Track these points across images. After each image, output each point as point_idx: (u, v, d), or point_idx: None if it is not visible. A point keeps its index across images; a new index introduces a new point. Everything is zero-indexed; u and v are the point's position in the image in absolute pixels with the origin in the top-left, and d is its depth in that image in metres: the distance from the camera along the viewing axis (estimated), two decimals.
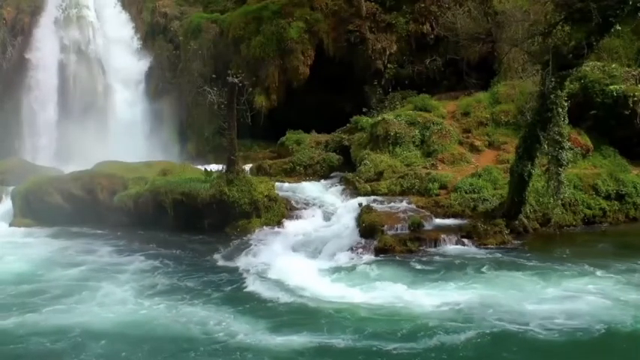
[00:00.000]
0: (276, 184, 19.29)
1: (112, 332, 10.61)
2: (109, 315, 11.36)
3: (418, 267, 13.90)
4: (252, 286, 12.90)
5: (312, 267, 14.00)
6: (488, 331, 10.24)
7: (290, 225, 17.40)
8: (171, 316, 11.29)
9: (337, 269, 13.90)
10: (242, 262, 14.75)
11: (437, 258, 14.44)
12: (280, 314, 11.29)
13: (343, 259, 14.63)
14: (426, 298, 11.78)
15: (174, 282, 13.33)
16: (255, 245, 15.90)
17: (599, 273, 12.99)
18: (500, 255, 14.55)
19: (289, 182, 20.53)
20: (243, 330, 10.53)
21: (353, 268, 13.98)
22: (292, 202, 18.60)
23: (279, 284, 12.87)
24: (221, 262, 14.91)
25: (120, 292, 12.66)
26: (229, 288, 12.91)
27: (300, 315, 11.20)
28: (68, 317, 11.26)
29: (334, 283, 12.88)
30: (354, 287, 12.57)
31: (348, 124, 23.68)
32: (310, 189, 19.74)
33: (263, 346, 9.89)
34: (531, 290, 12.14)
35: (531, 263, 13.84)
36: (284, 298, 12.10)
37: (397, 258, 14.56)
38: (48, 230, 18.35)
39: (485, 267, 13.61)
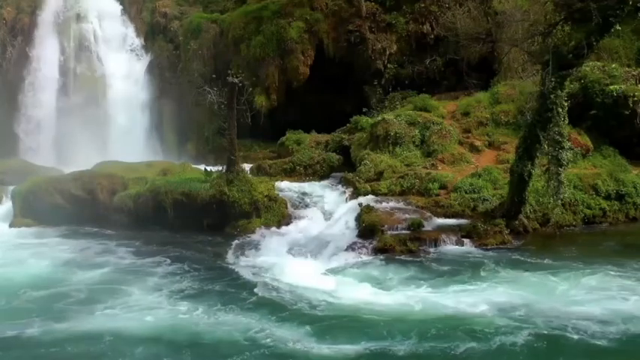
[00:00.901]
0: (276, 184, 19.28)
1: (144, 337, 10.37)
2: (139, 318, 11.07)
3: (423, 267, 13.92)
4: (258, 288, 12.82)
5: (312, 267, 13.99)
6: (530, 336, 10.04)
7: (290, 225, 17.41)
8: (193, 318, 11.20)
9: (337, 269, 13.89)
10: (243, 262, 14.75)
11: (437, 258, 14.43)
12: (283, 314, 11.27)
13: (343, 259, 14.62)
14: (440, 299, 11.78)
15: (187, 284, 13.17)
16: (255, 245, 15.91)
17: (612, 272, 12.94)
18: (510, 254, 14.53)
19: (289, 182, 20.54)
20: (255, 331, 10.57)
21: (353, 267, 13.98)
22: (292, 202, 18.61)
23: (280, 284, 12.87)
24: (223, 263, 14.87)
25: (144, 294, 12.45)
26: (233, 289, 12.84)
27: (307, 317, 11.15)
28: (99, 322, 10.95)
29: (334, 283, 12.84)
30: (355, 287, 12.56)
31: (348, 124, 23.70)
32: (310, 189, 19.74)
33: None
34: (557, 290, 12.11)
35: (544, 262, 13.81)
36: (285, 297, 12.09)
37: (397, 258, 14.53)
38: (51, 230, 18.26)
39: (498, 267, 13.58)
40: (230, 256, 15.22)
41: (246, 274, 13.79)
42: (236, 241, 16.27)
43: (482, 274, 13.24)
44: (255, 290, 12.57)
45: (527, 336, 10.03)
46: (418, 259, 14.39)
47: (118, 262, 14.94)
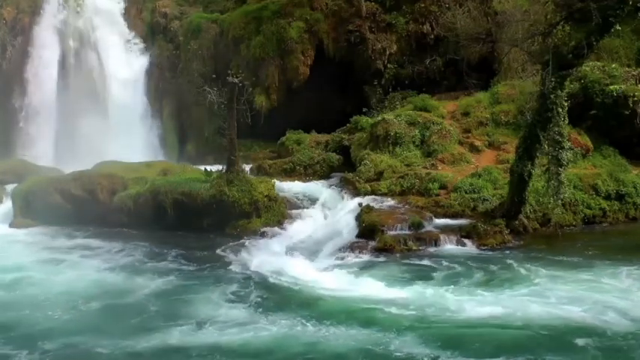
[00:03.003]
0: (276, 184, 19.29)
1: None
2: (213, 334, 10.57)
3: (423, 267, 13.93)
4: (258, 288, 12.85)
5: (312, 267, 14.01)
6: (530, 335, 10.03)
7: (290, 225, 17.40)
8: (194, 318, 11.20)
9: (337, 269, 13.89)
10: (243, 262, 14.75)
11: (437, 258, 14.42)
12: (284, 314, 11.26)
13: (343, 258, 14.63)
14: (440, 298, 11.77)
15: (187, 285, 13.19)
16: (256, 245, 15.92)
17: (613, 272, 12.92)
18: (510, 254, 14.50)
19: (289, 182, 20.53)
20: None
21: (353, 267, 13.96)
22: (292, 202, 18.61)
23: (280, 284, 12.91)
24: (223, 263, 14.88)
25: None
26: (233, 290, 12.83)
27: (307, 317, 11.12)
28: (172, 338, 10.30)
29: (334, 283, 12.85)
30: (355, 287, 12.56)
31: (348, 124, 23.70)
32: (310, 189, 19.74)
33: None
34: (557, 290, 12.03)
35: (544, 262, 13.77)
36: (286, 298, 12.11)
37: (397, 258, 14.55)
38: (54, 230, 18.22)
39: (498, 267, 13.58)
40: (230, 257, 15.22)
41: (247, 274, 13.80)
42: (236, 242, 16.27)
43: (482, 274, 13.23)
44: (256, 290, 12.58)
45: (527, 335, 10.04)
46: (418, 259, 14.38)
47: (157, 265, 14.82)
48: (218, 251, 15.65)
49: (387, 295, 12.02)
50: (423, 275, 13.28)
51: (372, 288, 12.43)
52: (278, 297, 12.19)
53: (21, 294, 12.76)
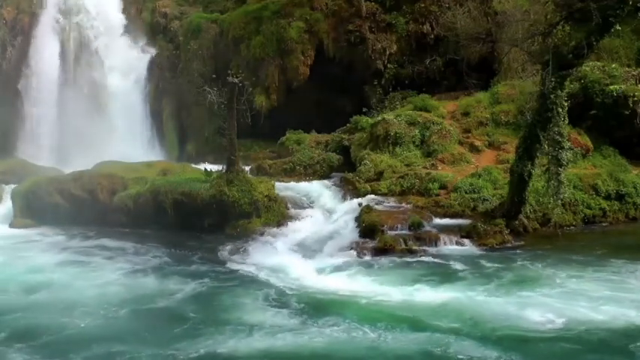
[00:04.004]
0: (276, 184, 19.28)
1: None
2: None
3: (423, 267, 13.92)
4: (259, 288, 12.82)
5: (312, 267, 14.01)
6: (528, 335, 9.95)
7: (290, 225, 17.39)
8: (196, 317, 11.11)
9: (337, 269, 13.90)
10: (243, 262, 14.77)
11: (437, 258, 14.43)
12: (284, 313, 11.27)
13: (343, 258, 14.63)
14: (440, 298, 11.75)
15: (188, 285, 13.08)
16: (256, 245, 15.92)
17: (613, 272, 12.91)
18: (510, 254, 14.49)
19: (289, 182, 20.53)
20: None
21: (353, 267, 13.97)
22: (292, 202, 18.60)
23: (281, 284, 12.90)
24: (223, 263, 14.89)
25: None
26: (234, 289, 12.87)
27: (308, 317, 11.10)
28: (219, 345, 9.87)
29: (334, 283, 12.87)
30: (355, 287, 12.57)
31: (348, 124, 23.70)
32: (310, 189, 19.73)
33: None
34: (557, 290, 12.02)
35: (544, 262, 13.76)
36: (286, 298, 12.10)
37: (397, 258, 14.52)
38: (59, 231, 18.12)
39: (498, 267, 13.55)
40: (230, 257, 15.23)
41: (247, 274, 13.82)
42: (236, 242, 16.27)
43: (482, 273, 13.25)
44: (256, 290, 12.58)
45: (525, 335, 10.00)
46: (418, 259, 14.38)
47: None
48: (217, 251, 15.63)
49: (387, 294, 12.01)
50: (423, 275, 13.26)
51: (372, 288, 12.44)
52: (279, 297, 12.16)
53: (47, 297, 12.37)
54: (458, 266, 13.81)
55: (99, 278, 13.65)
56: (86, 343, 10.00)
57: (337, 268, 13.94)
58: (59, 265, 14.76)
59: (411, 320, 10.71)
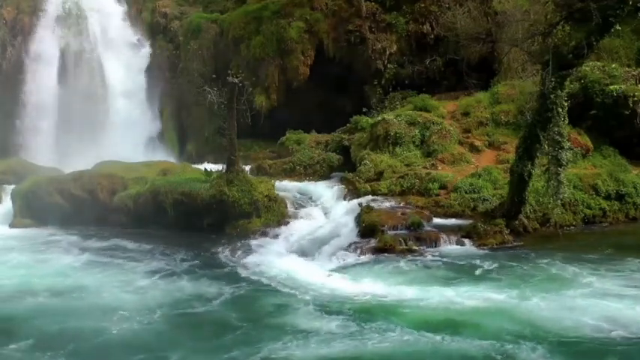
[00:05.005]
0: (276, 184, 19.29)
1: None
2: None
3: (423, 267, 13.90)
4: (259, 288, 12.86)
5: (312, 267, 14.03)
6: (527, 334, 9.85)
7: (290, 225, 17.40)
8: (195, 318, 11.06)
9: (337, 269, 13.92)
10: (243, 262, 14.78)
11: (437, 258, 14.41)
12: (284, 313, 11.28)
13: (343, 258, 14.64)
14: (440, 298, 11.71)
15: (188, 285, 13.09)
16: (256, 245, 15.93)
17: (613, 272, 12.84)
18: (510, 254, 14.45)
19: (289, 182, 20.53)
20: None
21: (353, 267, 13.99)
22: (292, 202, 18.61)
23: (281, 285, 12.92)
24: (224, 263, 14.94)
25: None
26: (234, 290, 12.85)
27: (309, 316, 11.09)
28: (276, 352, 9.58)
29: (334, 283, 12.88)
30: (355, 287, 12.59)
31: (348, 124, 23.70)
32: (310, 189, 19.74)
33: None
34: (556, 290, 11.96)
35: (544, 262, 13.70)
36: (286, 298, 12.11)
37: (397, 258, 14.50)
38: (66, 232, 18.07)
39: (498, 267, 13.53)
40: (230, 257, 15.23)
41: (247, 274, 13.83)
42: (236, 242, 16.27)
43: (482, 273, 13.25)
44: (256, 291, 12.60)
45: (525, 335, 9.97)
46: (418, 259, 14.36)
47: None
48: (217, 252, 15.64)
49: (387, 294, 12.03)
50: (423, 275, 13.26)
51: (372, 288, 12.44)
52: (279, 298, 12.16)
53: (78, 301, 12.19)
54: (475, 266, 13.70)
55: (130, 281, 13.38)
56: (129, 349, 9.76)
57: (336, 268, 13.94)
58: (83, 267, 14.58)
59: (463, 324, 10.46)
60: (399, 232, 15.68)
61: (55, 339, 10.24)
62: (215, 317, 11.31)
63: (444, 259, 14.27)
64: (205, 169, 19.53)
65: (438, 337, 9.93)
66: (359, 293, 12.18)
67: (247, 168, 20.36)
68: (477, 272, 13.33)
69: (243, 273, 13.97)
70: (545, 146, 15.08)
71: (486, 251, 14.85)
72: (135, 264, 14.82)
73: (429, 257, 14.47)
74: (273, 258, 14.77)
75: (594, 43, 14.42)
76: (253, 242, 16.23)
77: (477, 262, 13.95)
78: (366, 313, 11.09)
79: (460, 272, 13.36)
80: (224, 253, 15.55)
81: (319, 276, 13.39)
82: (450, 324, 10.48)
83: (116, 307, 11.64)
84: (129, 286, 13.11)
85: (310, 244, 15.69)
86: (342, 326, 10.54)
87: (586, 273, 12.84)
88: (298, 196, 19.19)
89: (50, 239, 17.39)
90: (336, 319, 10.82)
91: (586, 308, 10.97)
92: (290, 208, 18.18)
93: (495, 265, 13.69)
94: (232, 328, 10.71)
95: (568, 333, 10.03)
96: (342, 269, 13.89)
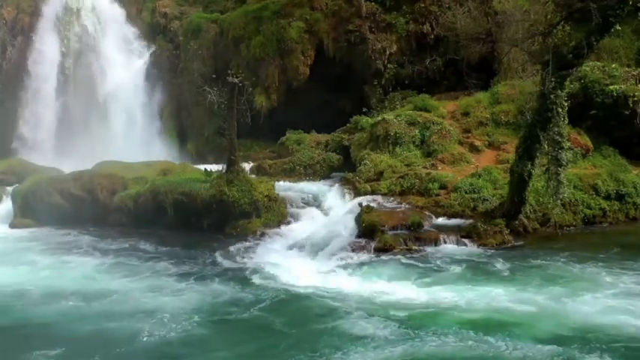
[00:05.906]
0: (276, 184, 19.30)
1: None
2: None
3: (423, 267, 13.85)
4: (258, 288, 12.82)
5: (312, 267, 14.02)
6: (527, 334, 9.82)
7: (290, 225, 17.41)
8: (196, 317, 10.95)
9: (337, 269, 13.89)
10: (243, 262, 14.77)
11: (437, 258, 14.39)
12: (285, 313, 11.27)
13: (343, 258, 14.62)
14: (440, 298, 11.71)
15: (188, 285, 13.05)
16: (256, 245, 15.93)
17: (613, 272, 12.80)
18: (510, 254, 14.42)
19: (289, 182, 20.54)
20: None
21: (353, 267, 13.96)
22: (292, 202, 18.60)
23: (281, 285, 12.90)
24: (224, 263, 14.87)
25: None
26: (234, 290, 12.84)
27: (309, 316, 11.09)
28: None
29: (334, 283, 12.86)
30: (355, 287, 12.57)
31: (348, 124, 23.72)
32: (310, 189, 19.74)
33: None
34: (556, 290, 11.94)
35: (544, 262, 13.65)
36: (287, 298, 12.10)
37: (397, 258, 14.49)
38: (68, 232, 18.00)
39: (498, 267, 13.50)
40: (230, 257, 15.22)
41: (247, 274, 13.80)
42: (236, 242, 16.27)
43: (482, 273, 13.22)
44: (256, 291, 12.58)
45: (580, 337, 9.85)
46: (418, 259, 14.35)
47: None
48: (217, 252, 15.59)
49: (387, 294, 12.02)
50: (423, 275, 13.22)
51: (372, 288, 12.42)
52: (279, 298, 12.13)
53: (108, 305, 11.90)
54: (488, 266, 13.62)
55: (160, 286, 13.05)
56: (166, 356, 9.60)
57: (336, 268, 13.90)
58: (107, 269, 14.32)
59: (514, 326, 10.27)
60: (399, 232, 15.68)
61: (89, 344, 10.06)
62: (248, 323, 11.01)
63: (440, 260, 14.21)
64: (205, 169, 19.54)
65: (492, 339, 9.73)
66: (411, 298, 11.86)
67: (247, 168, 20.37)
68: (504, 273, 13.17)
69: (246, 274, 13.91)
70: (545, 146, 15.07)
71: (488, 251, 14.82)
72: (155, 265, 14.64)
73: (428, 257, 14.43)
74: (272, 258, 14.75)
75: (594, 43, 14.42)
76: (253, 242, 16.22)
77: (484, 260, 13.91)
78: (432, 318, 10.82)
79: (477, 273, 13.18)
80: (220, 253, 15.45)
81: (312, 276, 13.27)
82: (499, 326, 10.27)
83: (148, 311, 11.38)
84: (158, 290, 12.78)
85: (310, 244, 15.68)
86: (392, 332, 10.26)
87: (604, 273, 12.78)
88: (298, 196, 19.17)
89: (64, 240, 17.24)
90: (382, 324, 10.53)
91: (625, 308, 10.85)
92: (290, 209, 18.18)
93: (508, 265, 13.61)
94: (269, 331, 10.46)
95: (622, 333, 9.89)
96: (340, 269, 13.81)
